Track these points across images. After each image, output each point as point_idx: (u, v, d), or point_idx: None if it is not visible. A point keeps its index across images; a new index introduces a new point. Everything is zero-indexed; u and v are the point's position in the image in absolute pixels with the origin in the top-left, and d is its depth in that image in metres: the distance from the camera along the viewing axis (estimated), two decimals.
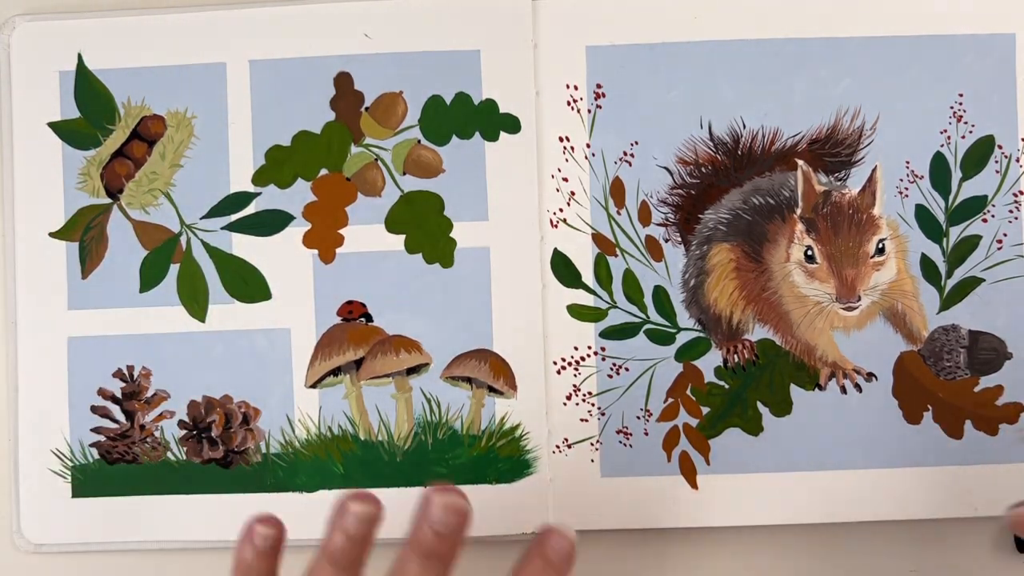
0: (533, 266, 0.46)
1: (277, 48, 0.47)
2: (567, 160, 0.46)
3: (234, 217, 0.47)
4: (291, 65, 0.47)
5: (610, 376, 0.46)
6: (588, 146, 0.47)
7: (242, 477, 0.47)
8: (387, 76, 0.47)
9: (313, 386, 0.47)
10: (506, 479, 0.46)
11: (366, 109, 0.47)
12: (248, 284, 0.47)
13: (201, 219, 0.47)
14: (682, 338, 0.46)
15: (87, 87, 0.47)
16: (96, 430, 0.47)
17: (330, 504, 0.46)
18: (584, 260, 0.46)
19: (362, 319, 0.47)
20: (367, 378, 0.47)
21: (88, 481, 0.47)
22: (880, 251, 0.46)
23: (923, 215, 0.46)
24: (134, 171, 0.47)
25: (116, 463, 0.47)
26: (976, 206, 0.46)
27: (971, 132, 0.46)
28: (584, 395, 0.46)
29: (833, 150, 0.46)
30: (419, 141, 0.47)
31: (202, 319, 0.47)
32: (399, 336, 0.47)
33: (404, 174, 0.47)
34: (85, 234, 0.47)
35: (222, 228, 0.47)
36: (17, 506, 0.47)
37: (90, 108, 0.47)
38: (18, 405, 0.47)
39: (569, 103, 0.47)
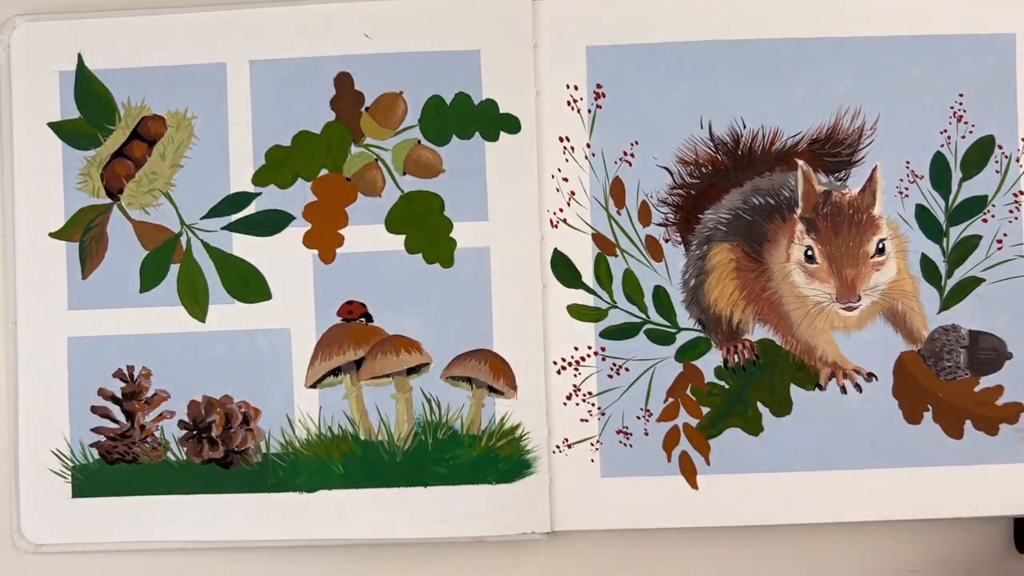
0: (533, 266, 0.46)
1: (277, 48, 0.47)
2: (567, 160, 0.46)
3: (234, 217, 0.47)
4: (291, 65, 0.47)
5: (610, 376, 0.46)
6: (588, 146, 0.46)
7: (242, 477, 0.47)
8: (387, 76, 0.47)
9: (313, 386, 0.47)
10: (506, 479, 0.46)
11: (366, 109, 0.47)
12: (248, 284, 0.47)
13: (201, 219, 0.47)
14: (682, 338, 0.46)
15: (87, 87, 0.47)
16: (96, 430, 0.47)
17: (330, 503, 0.46)
18: (584, 260, 0.46)
19: (362, 319, 0.47)
20: (367, 378, 0.47)
21: (88, 481, 0.47)
22: (880, 251, 0.45)
23: (923, 215, 0.46)
24: (134, 171, 0.47)
25: (116, 463, 0.47)
26: (976, 206, 0.46)
27: (971, 132, 0.46)
28: (584, 395, 0.46)
29: (833, 150, 0.46)
30: (419, 141, 0.47)
31: (202, 319, 0.47)
32: (399, 336, 0.47)
33: (404, 174, 0.47)
34: (85, 234, 0.47)
35: (222, 228, 0.47)
36: (17, 506, 0.47)
37: (90, 108, 0.47)
38: (18, 405, 0.47)
39: (569, 103, 0.46)
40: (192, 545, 0.47)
